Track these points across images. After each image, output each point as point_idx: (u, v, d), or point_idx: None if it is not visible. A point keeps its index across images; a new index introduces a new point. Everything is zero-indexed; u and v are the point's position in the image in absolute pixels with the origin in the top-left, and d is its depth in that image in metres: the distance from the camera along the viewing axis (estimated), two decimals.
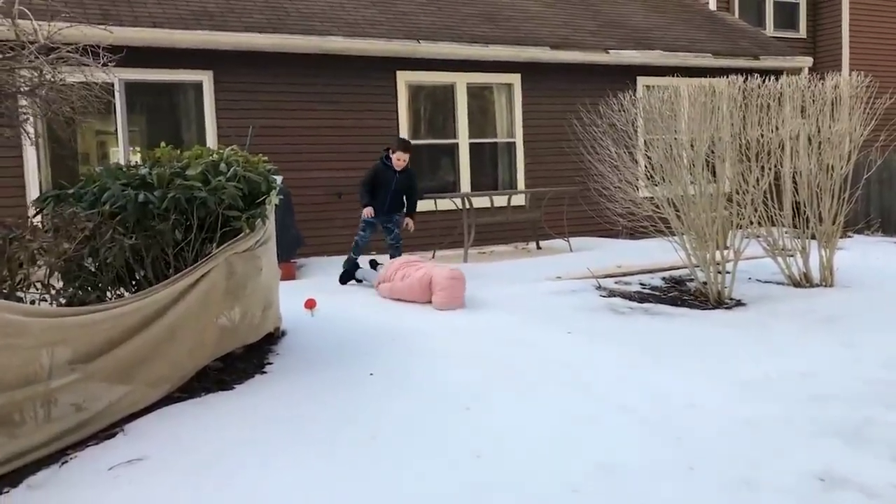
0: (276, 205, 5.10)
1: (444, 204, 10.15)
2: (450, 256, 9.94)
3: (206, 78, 9.59)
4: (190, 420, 3.91)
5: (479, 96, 11.47)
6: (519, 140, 11.57)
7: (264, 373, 4.69)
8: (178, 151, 4.80)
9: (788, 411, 4.23)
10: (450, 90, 11.09)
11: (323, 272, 8.60)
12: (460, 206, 9.78)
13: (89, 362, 3.60)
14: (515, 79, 11.44)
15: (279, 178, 5.27)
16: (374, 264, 7.97)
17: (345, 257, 9.70)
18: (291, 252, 8.38)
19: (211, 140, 9.53)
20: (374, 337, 5.47)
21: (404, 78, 10.62)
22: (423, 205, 10.41)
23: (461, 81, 11.06)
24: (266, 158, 5.07)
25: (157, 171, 4.48)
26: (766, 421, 4.10)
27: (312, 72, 10.02)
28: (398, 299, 6.81)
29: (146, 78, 9.34)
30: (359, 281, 7.81)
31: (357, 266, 7.94)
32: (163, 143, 4.92)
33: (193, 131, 9.69)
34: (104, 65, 4.65)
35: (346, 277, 7.95)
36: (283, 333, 5.47)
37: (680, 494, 3.28)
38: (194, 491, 3.17)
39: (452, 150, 11.17)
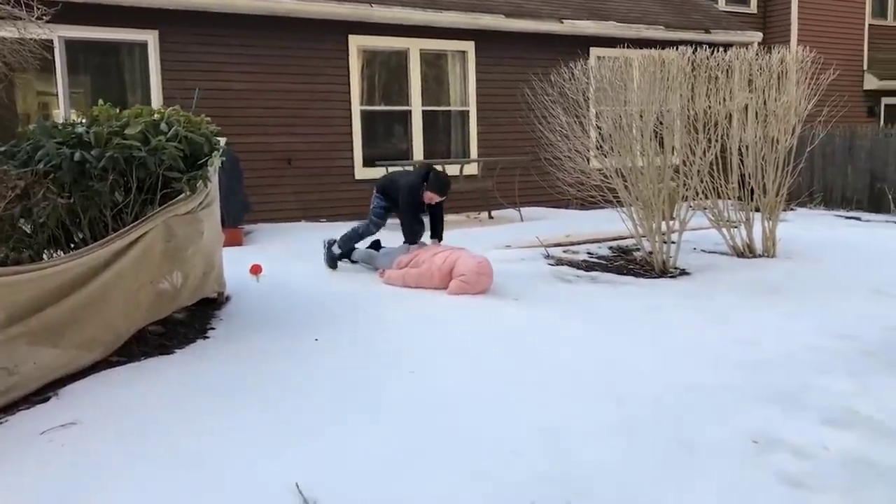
0: (221, 168, 5.00)
1: None
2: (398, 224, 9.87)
3: (151, 38, 9.31)
4: (126, 384, 3.84)
5: (433, 63, 11.36)
6: (472, 108, 11.51)
7: (206, 338, 4.62)
8: (118, 110, 4.64)
9: (728, 377, 4.33)
10: (403, 56, 10.95)
11: (272, 239, 8.48)
12: None
13: (12, 325, 3.48)
14: (469, 46, 11.35)
15: (223, 141, 5.16)
16: (377, 245, 7.02)
17: (296, 224, 9.62)
18: (239, 218, 8.25)
19: (156, 103, 9.28)
20: (321, 303, 5.42)
21: (357, 43, 10.45)
22: (375, 172, 10.36)
23: (414, 47, 10.93)
24: (209, 119, 4.94)
25: (95, 129, 4.34)
26: (706, 386, 4.18)
27: (262, 34, 9.80)
28: (412, 286, 6.00)
29: (88, 36, 9.02)
30: (353, 262, 6.95)
31: (352, 246, 6.96)
32: (101, 102, 4.76)
33: (139, 94, 9.42)
34: (38, 18, 4.46)
35: (336, 259, 6.89)
36: (228, 299, 5.39)
37: (619, 456, 3.33)
38: (129, 455, 3.11)
39: (405, 117, 11.07)
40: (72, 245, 4.48)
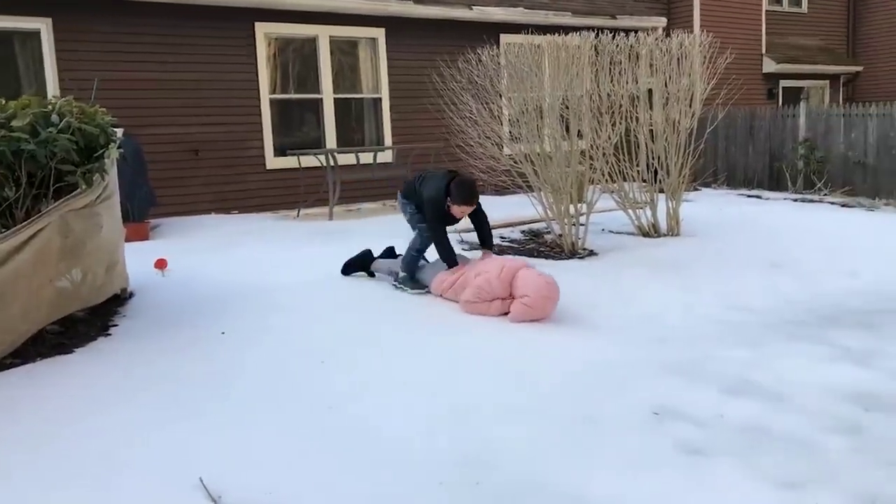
0: (123, 160, 4.83)
1: (309, 161, 9.95)
2: (315, 214, 9.79)
3: (44, 26, 8.88)
4: (22, 387, 3.69)
5: (343, 51, 11.24)
6: (385, 96, 11.46)
7: (109, 335, 4.48)
8: (3, 101, 4.43)
9: (632, 352, 4.47)
10: (313, 44, 10.80)
11: (180, 233, 8.26)
12: (325, 164, 9.61)
13: None
14: (380, 33, 11.28)
15: (120, 131, 4.99)
16: (392, 253, 6.13)
17: (205, 217, 9.39)
18: (144, 211, 8.00)
19: (52, 95, 8.88)
20: (230, 296, 5.32)
21: (264, 30, 10.24)
22: (287, 162, 10.22)
23: (324, 34, 10.79)
24: (105, 110, 4.76)
25: None
26: (612, 362, 4.31)
27: (164, 22, 9.49)
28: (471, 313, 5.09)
29: None
30: (371, 274, 5.97)
31: (370, 255, 6.02)
32: None
33: (34, 86, 8.99)
34: None
35: (352, 268, 6.01)
36: (131, 295, 5.24)
37: (527, 434, 3.40)
38: (29, 461, 2.99)
39: (317, 105, 10.93)
40: None
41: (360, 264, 5.95)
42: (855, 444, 3.42)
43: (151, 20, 9.40)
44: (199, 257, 6.63)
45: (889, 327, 5.01)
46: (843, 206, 10.41)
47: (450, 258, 5.42)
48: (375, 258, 5.97)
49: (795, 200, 11.02)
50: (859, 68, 19.14)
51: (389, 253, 6.09)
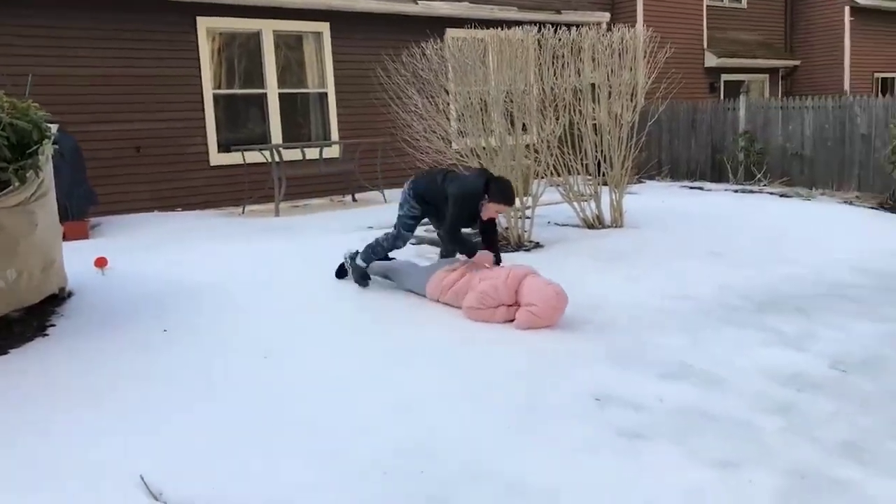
0: (61, 157, 4.72)
1: (254, 157, 9.84)
2: (261, 211, 9.69)
3: None
4: None
5: (289, 45, 11.14)
6: (331, 90, 11.39)
7: (46, 335, 4.38)
8: None
9: (576, 341, 4.54)
10: (256, 38, 10.68)
11: (121, 231, 8.10)
12: (270, 159, 9.52)
13: None
14: (324, 27, 11.20)
15: (54, 127, 4.87)
16: (384, 256, 5.74)
17: (148, 215, 9.23)
18: (84, 210, 7.82)
19: None
20: (173, 294, 5.25)
21: (206, 24, 10.09)
22: (231, 158, 10.09)
23: (268, 29, 10.67)
24: (38, 105, 4.64)
25: None
26: (556, 351, 4.37)
27: (102, 16, 9.28)
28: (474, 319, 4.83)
29: None
30: (367, 278, 5.57)
31: (364, 270, 5.59)
32: None
33: None
34: None
35: (366, 274, 5.61)
36: (70, 294, 5.12)
37: (471, 424, 3.44)
38: None
39: (261, 100, 10.81)
40: None
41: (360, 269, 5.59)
42: (788, 424, 3.54)
43: (90, 14, 9.18)
44: (142, 255, 6.51)
45: (821, 312, 5.18)
46: (781, 196, 10.69)
47: (472, 250, 5.13)
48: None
49: (736, 191, 11.28)
50: (797, 62, 19.67)
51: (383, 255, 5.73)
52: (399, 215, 5.38)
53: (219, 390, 3.67)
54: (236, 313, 4.86)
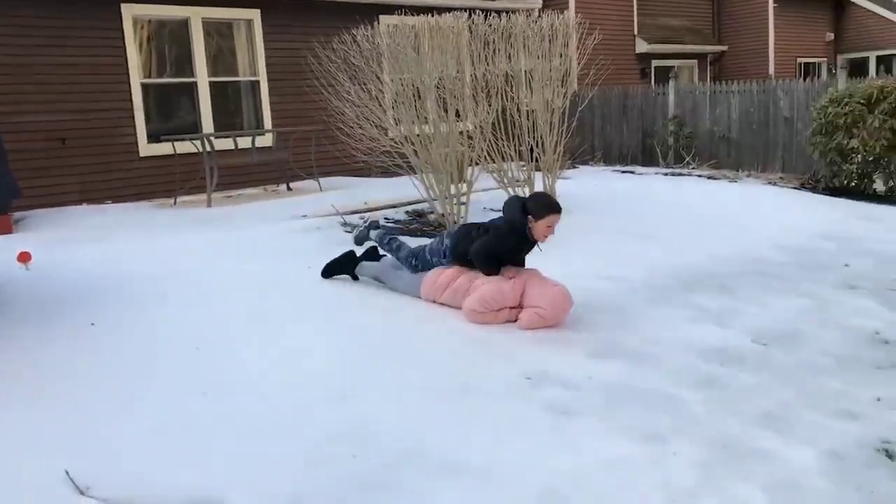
0: None
1: (185, 147, 9.64)
2: (193, 201, 9.52)
3: None
4: None
5: (219, 33, 10.92)
6: (263, 78, 11.21)
7: None
8: None
9: (509, 322, 4.61)
10: (185, 26, 10.44)
11: (47, 225, 7.86)
12: (201, 149, 9.35)
13: None
14: (255, 14, 11.01)
15: None
16: (373, 255, 5.53)
17: (76, 208, 8.97)
18: (6, 203, 7.56)
19: None
20: (101, 287, 5.13)
21: (131, 11, 9.81)
22: (162, 148, 9.87)
23: (196, 16, 10.44)
24: None
25: None
26: (488, 332, 4.44)
27: (25, 3, 8.94)
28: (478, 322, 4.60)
29: None
30: (355, 278, 5.41)
31: (353, 257, 5.46)
32: None
33: None
34: None
35: (334, 270, 5.44)
36: None
37: (407, 406, 3.48)
38: None
39: (191, 89, 10.59)
40: None
41: (342, 266, 5.42)
42: (711, 397, 3.68)
43: (9, 1, 8.85)
44: (68, 249, 6.34)
45: (745, 289, 5.38)
46: (709, 178, 10.99)
47: (497, 272, 4.74)
48: (360, 260, 5.45)
49: (666, 174, 11.54)
50: (724, 48, 20.19)
51: (372, 254, 5.54)
52: (422, 254, 5.06)
53: (149, 383, 3.62)
54: (166, 306, 4.78)
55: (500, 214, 4.97)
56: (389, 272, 5.27)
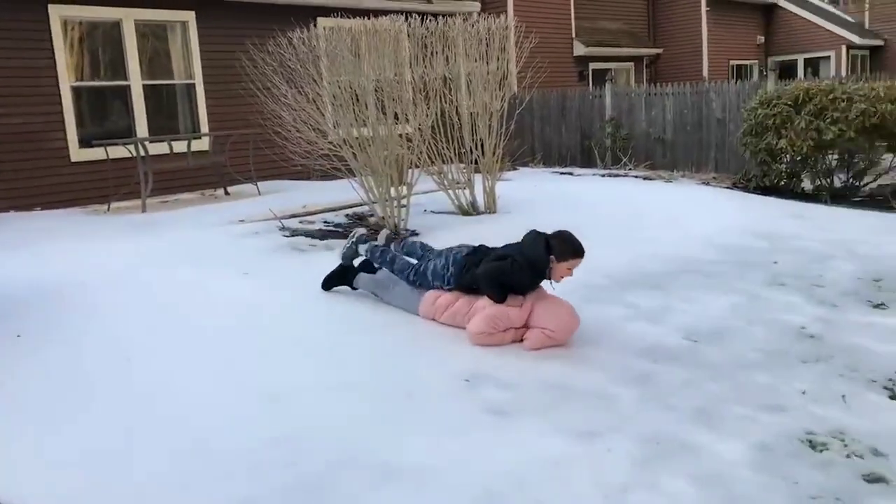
0: None
1: (118, 151, 9.41)
2: (128, 207, 9.30)
3: None
4: None
5: (153, 35, 10.70)
6: (199, 81, 11.03)
7: None
8: None
9: (441, 326, 4.62)
10: (117, 28, 10.20)
11: None
12: (135, 154, 9.14)
13: None
14: (190, 16, 10.82)
15: None
16: (368, 267, 5.29)
17: (3, 214, 8.67)
18: None
19: None
20: (28, 297, 4.97)
21: (59, 13, 9.54)
22: (94, 153, 9.62)
23: (128, 18, 10.21)
24: None
25: None
26: (428, 335, 4.45)
27: None
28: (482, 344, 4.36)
29: None
30: (354, 288, 5.24)
31: (351, 268, 5.29)
32: None
33: None
34: None
35: (333, 281, 5.29)
36: None
37: (345, 411, 3.47)
38: None
39: (125, 92, 10.35)
40: None
41: (341, 277, 5.26)
42: (645, 394, 3.76)
43: None
44: None
45: (677, 287, 5.50)
46: (645, 179, 11.21)
47: (504, 299, 4.46)
48: (357, 271, 5.27)
49: (603, 176, 11.74)
50: (659, 50, 20.63)
51: (368, 266, 5.29)
52: (424, 273, 4.79)
53: (78, 394, 3.53)
54: (97, 315, 4.66)
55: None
56: (386, 286, 5.05)
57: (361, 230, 5.25)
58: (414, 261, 4.98)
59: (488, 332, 4.31)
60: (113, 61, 10.27)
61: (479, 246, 4.78)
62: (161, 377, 3.75)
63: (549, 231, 4.56)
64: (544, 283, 4.57)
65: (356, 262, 5.34)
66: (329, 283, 5.28)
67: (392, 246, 5.24)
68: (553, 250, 4.44)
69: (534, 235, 4.59)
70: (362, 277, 5.21)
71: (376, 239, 5.36)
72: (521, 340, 4.37)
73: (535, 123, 14.09)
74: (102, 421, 3.28)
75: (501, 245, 4.69)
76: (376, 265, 5.18)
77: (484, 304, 4.44)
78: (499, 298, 4.41)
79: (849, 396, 3.73)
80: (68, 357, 3.97)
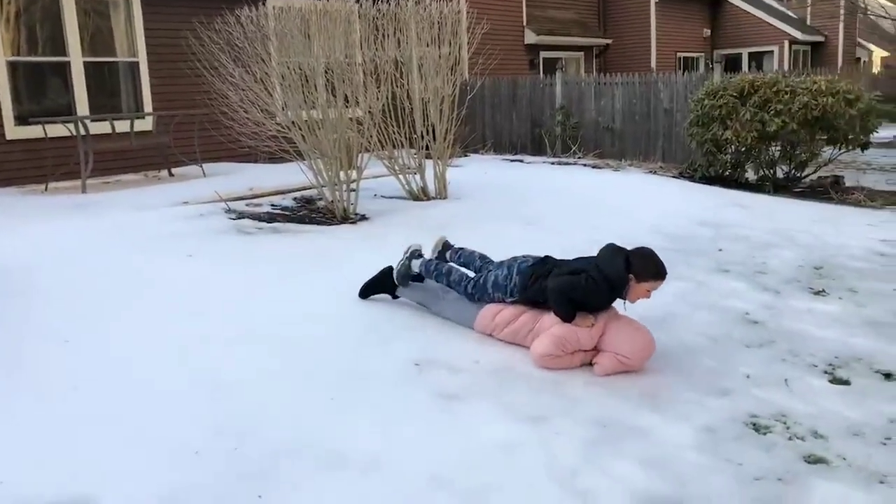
0: None
1: (57, 130, 9.09)
2: (67, 188, 9.00)
3: None
4: None
5: (96, 11, 10.34)
6: (143, 60, 10.71)
7: None
8: None
9: (396, 309, 4.60)
10: (56, 2, 9.83)
11: None
12: (75, 132, 8.84)
13: None
14: None
15: None
16: (416, 275, 4.77)
17: None
18: None
19: None
20: None
21: None
22: (32, 131, 9.29)
23: None
24: None
25: None
26: (377, 320, 4.41)
27: None
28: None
29: None
30: (395, 297, 4.81)
31: (390, 275, 4.75)
32: None
33: None
34: None
35: (372, 289, 4.84)
36: None
37: (292, 396, 3.41)
38: None
39: (64, 69, 10.00)
40: None
41: (381, 285, 4.80)
42: (592, 377, 3.79)
43: None
44: None
45: None
46: (594, 167, 11.30)
47: (572, 317, 4.06)
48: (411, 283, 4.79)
49: (553, 163, 11.79)
50: (609, 41, 20.80)
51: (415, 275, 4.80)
52: (483, 285, 4.37)
53: (14, 379, 3.39)
54: (32, 297, 4.49)
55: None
56: (436, 297, 4.66)
57: (416, 245, 4.84)
58: (471, 273, 4.59)
59: (555, 354, 3.94)
60: (52, 37, 9.90)
61: (546, 256, 4.41)
62: (101, 360, 3.63)
63: (629, 248, 4.19)
64: (616, 303, 4.20)
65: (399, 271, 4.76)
66: (367, 291, 4.82)
67: (448, 255, 4.87)
68: (633, 268, 4.05)
69: (612, 250, 4.19)
70: (412, 290, 4.76)
71: (429, 252, 4.92)
72: (591, 364, 4.01)
73: (487, 110, 14.07)
74: (39, 405, 3.16)
75: (573, 258, 4.34)
76: (431, 280, 4.70)
77: (550, 323, 4.05)
78: (566, 317, 4.02)
79: (791, 380, 3.82)
80: (4, 339, 3.82)
